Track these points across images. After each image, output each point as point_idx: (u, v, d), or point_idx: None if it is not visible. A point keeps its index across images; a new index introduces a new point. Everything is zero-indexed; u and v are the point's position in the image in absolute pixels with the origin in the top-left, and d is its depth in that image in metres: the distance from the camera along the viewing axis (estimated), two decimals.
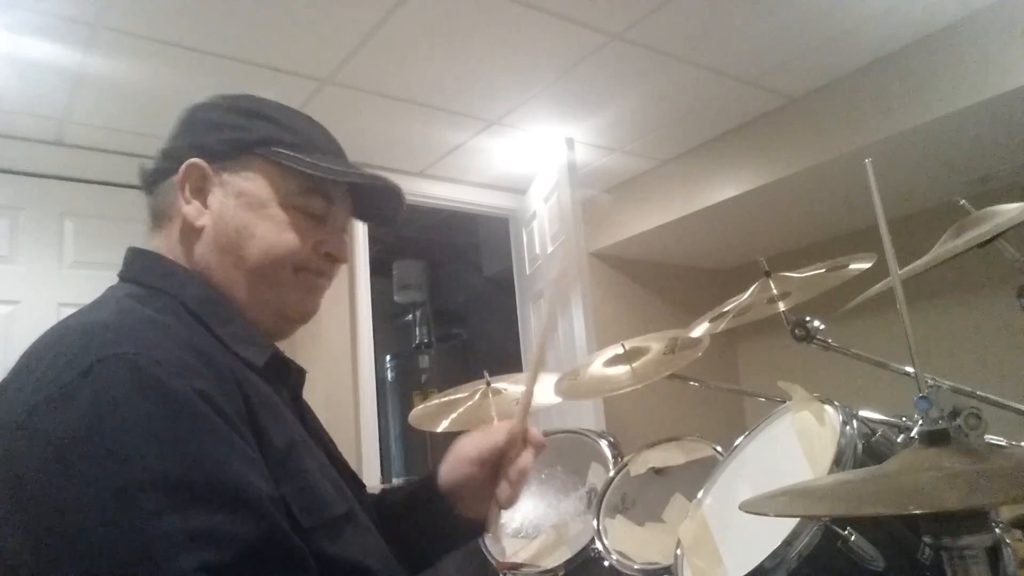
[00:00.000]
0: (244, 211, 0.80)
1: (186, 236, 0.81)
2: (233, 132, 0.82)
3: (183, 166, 0.81)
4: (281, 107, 0.87)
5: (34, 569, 0.56)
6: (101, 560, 0.55)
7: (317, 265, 0.84)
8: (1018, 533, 1.01)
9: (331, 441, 0.91)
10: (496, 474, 0.91)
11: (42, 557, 0.56)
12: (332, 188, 0.85)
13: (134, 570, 0.54)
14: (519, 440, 0.91)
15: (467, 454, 0.92)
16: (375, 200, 0.91)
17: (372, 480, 2.95)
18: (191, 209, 0.80)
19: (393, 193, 0.90)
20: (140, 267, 0.81)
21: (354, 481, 0.88)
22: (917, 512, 0.59)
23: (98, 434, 0.58)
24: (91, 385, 0.59)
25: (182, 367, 0.64)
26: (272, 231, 0.80)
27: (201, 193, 0.81)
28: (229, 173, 0.81)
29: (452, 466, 0.93)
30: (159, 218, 0.84)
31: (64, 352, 0.63)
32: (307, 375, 0.89)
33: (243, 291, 0.81)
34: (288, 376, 0.84)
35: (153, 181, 0.84)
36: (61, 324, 0.69)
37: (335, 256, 0.86)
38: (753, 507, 0.69)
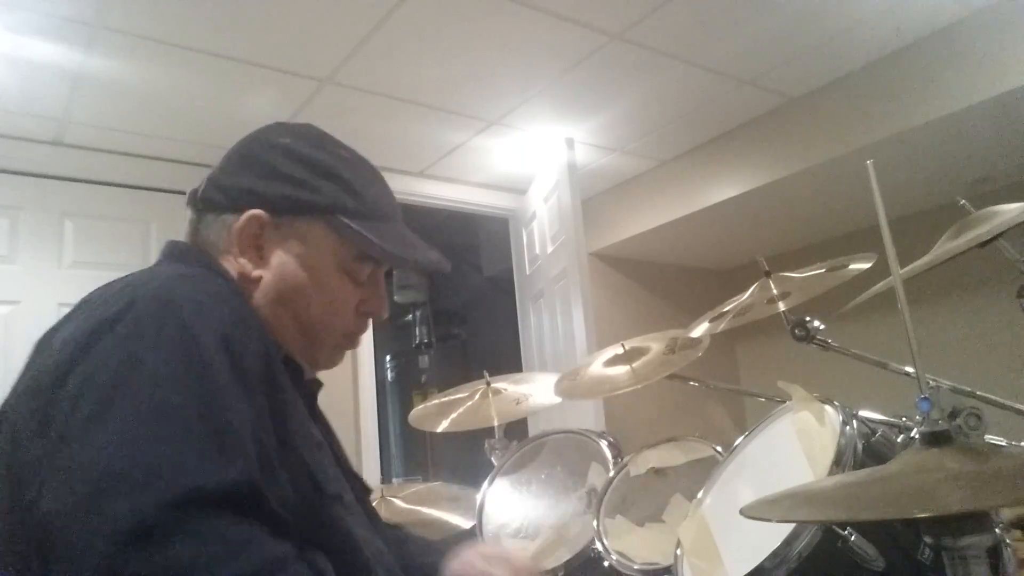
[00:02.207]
0: (302, 271, 0.82)
1: (243, 281, 0.81)
2: (299, 190, 0.81)
3: (244, 216, 0.80)
4: (349, 159, 0.87)
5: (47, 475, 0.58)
6: (105, 467, 0.56)
7: (359, 327, 0.88)
8: (1018, 533, 1.01)
9: (340, 447, 0.92)
10: None
11: (56, 459, 0.58)
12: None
13: (132, 482, 0.56)
14: None
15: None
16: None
17: (372, 480, 2.95)
18: (247, 262, 0.81)
19: (439, 264, 0.91)
20: (180, 254, 0.83)
21: (359, 485, 0.88)
22: (920, 515, 0.59)
23: (128, 364, 0.61)
24: (130, 315, 0.64)
25: (220, 319, 0.67)
26: (325, 297, 0.83)
27: (257, 241, 0.81)
28: (289, 231, 0.82)
29: (456, 573, 0.91)
30: (207, 244, 0.83)
31: (114, 298, 0.67)
32: (320, 386, 0.91)
33: (289, 338, 0.83)
34: (300, 381, 0.85)
35: (203, 208, 0.84)
36: (108, 285, 0.72)
37: (375, 315, 0.88)
38: (754, 512, 0.69)
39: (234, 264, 0.81)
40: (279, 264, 0.81)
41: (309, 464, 0.70)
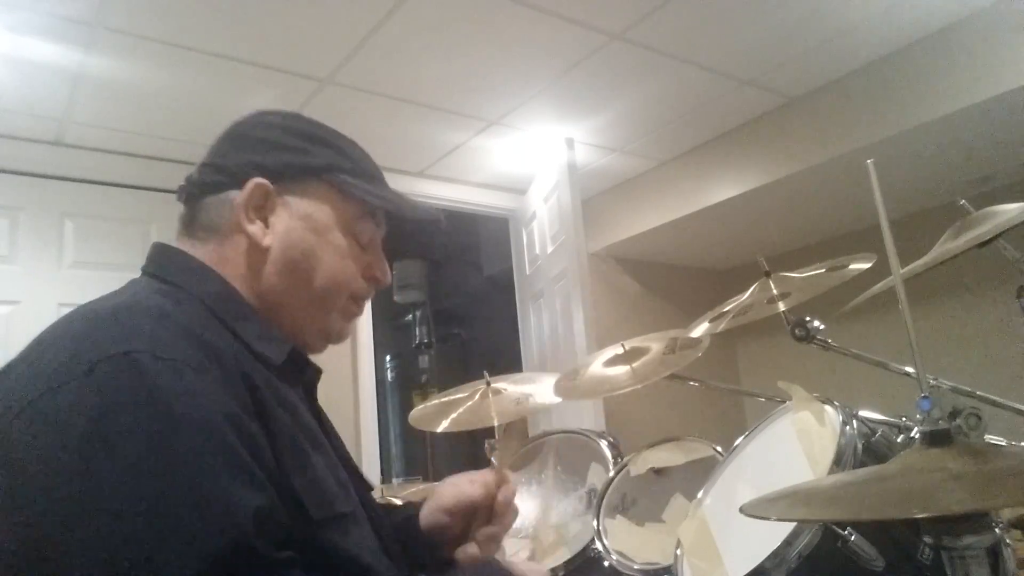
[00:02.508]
0: (310, 234, 0.82)
1: (252, 255, 0.81)
2: (298, 156, 0.84)
3: (249, 185, 0.80)
4: (334, 132, 0.89)
5: (15, 560, 0.56)
6: (77, 560, 0.55)
7: (366, 291, 0.88)
8: (1018, 533, 1.01)
9: (341, 443, 0.92)
10: (471, 526, 0.92)
11: (25, 546, 0.56)
12: (379, 214, 0.89)
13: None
14: (495, 497, 0.92)
15: (443, 503, 0.94)
16: (408, 225, 0.93)
17: (372, 480, 2.95)
18: (255, 229, 0.80)
19: (433, 213, 0.93)
20: (161, 262, 0.82)
21: (361, 481, 0.88)
22: (919, 516, 0.59)
23: (94, 439, 0.57)
24: (92, 385, 0.59)
25: (184, 363, 0.63)
26: (336, 257, 0.84)
27: (262, 212, 0.82)
28: (292, 195, 0.83)
29: (430, 510, 0.95)
30: (206, 230, 0.83)
31: (70, 344, 0.64)
32: (320, 373, 0.90)
33: (299, 311, 0.83)
34: (305, 373, 0.85)
35: (200, 193, 0.84)
36: (72, 313, 0.69)
37: (380, 279, 0.89)
38: (754, 511, 0.69)
39: (239, 241, 0.81)
40: (285, 230, 0.81)
41: (299, 493, 0.68)
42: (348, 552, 0.71)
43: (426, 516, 0.95)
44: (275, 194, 0.82)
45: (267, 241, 0.81)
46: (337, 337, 0.88)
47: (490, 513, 0.93)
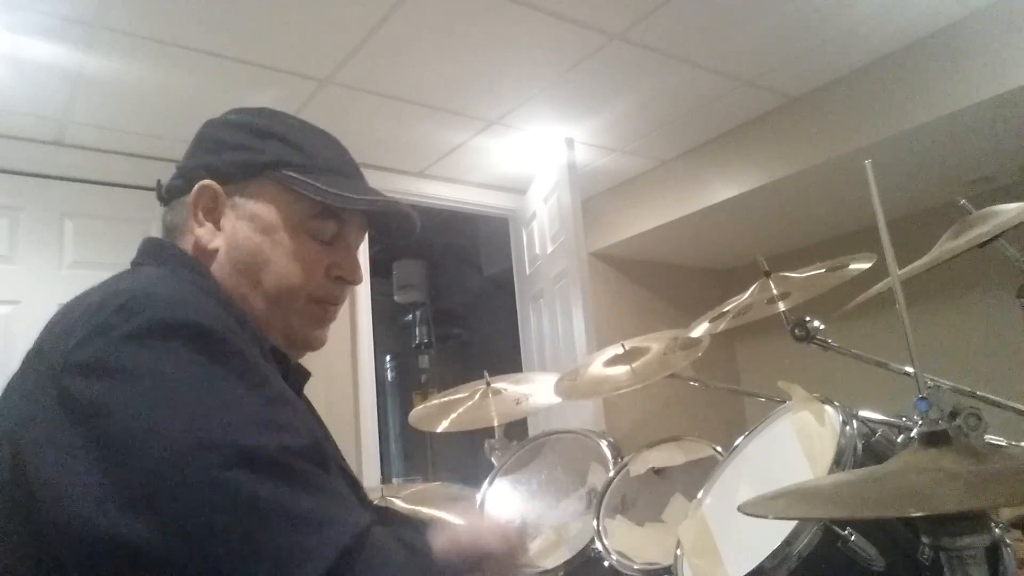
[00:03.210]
0: (257, 235, 0.81)
1: (202, 256, 0.81)
2: (244, 153, 0.82)
3: (195, 187, 0.81)
4: (297, 125, 0.86)
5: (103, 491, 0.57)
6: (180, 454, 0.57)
7: (329, 292, 0.84)
8: (1017, 533, 1.01)
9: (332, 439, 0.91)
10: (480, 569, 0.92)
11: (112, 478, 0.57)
12: (343, 210, 0.84)
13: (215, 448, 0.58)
14: (512, 552, 0.90)
15: (459, 548, 0.91)
16: (388, 219, 0.90)
17: (372, 480, 2.95)
18: (203, 232, 0.81)
19: (405, 215, 0.89)
20: (153, 252, 0.83)
21: (352, 478, 0.88)
22: (917, 515, 0.59)
23: (157, 364, 0.61)
24: (157, 347, 0.62)
25: (228, 328, 0.67)
26: (284, 258, 0.81)
27: (213, 214, 0.81)
28: (241, 196, 0.81)
29: (443, 547, 0.92)
30: (172, 233, 0.84)
31: (120, 307, 0.65)
32: (315, 350, 0.90)
33: (259, 311, 0.81)
34: (287, 372, 0.84)
35: (169, 197, 0.85)
36: (92, 291, 0.71)
37: (347, 279, 0.85)
38: (753, 509, 0.69)
39: (190, 241, 0.81)
40: (231, 230, 0.81)
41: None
42: None
43: (439, 551, 0.94)
44: (224, 195, 0.81)
45: (215, 243, 0.81)
46: (305, 343, 0.85)
47: (498, 565, 0.92)
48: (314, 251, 0.83)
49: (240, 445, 0.58)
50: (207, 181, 0.81)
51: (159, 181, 0.87)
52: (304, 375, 0.89)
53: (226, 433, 0.58)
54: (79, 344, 0.62)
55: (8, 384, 0.67)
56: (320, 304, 0.84)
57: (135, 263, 0.83)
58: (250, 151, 0.82)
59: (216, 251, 0.81)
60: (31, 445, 0.60)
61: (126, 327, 0.62)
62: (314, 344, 0.86)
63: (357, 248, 0.89)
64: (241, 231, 0.81)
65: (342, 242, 0.86)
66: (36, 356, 0.66)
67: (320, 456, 0.64)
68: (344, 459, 0.89)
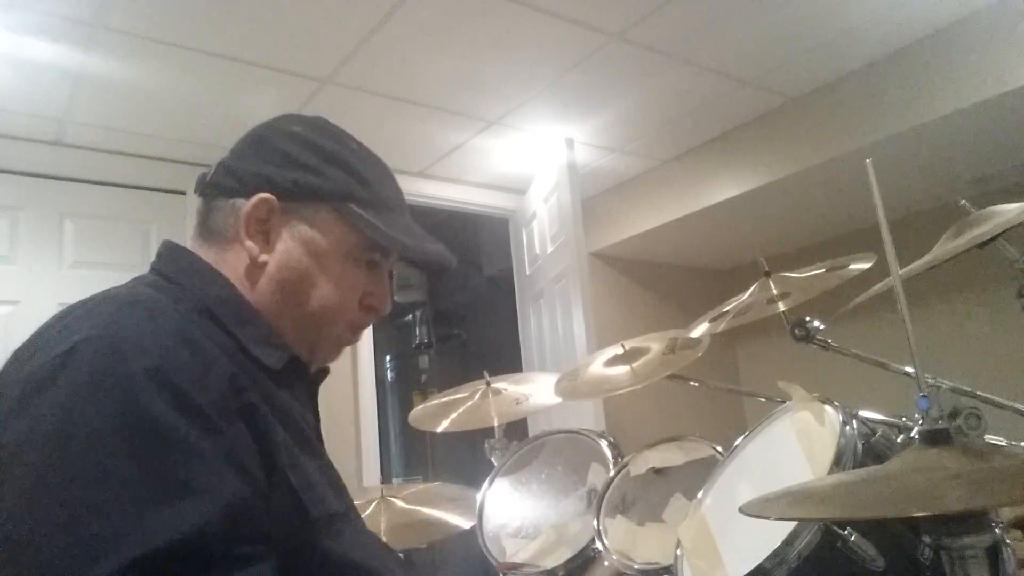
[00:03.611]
0: (307, 258, 0.81)
1: (249, 266, 0.81)
2: (310, 176, 0.81)
3: (254, 199, 0.79)
4: (359, 152, 0.86)
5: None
6: (45, 550, 0.54)
7: (361, 320, 0.86)
8: (1018, 533, 1.01)
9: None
10: None
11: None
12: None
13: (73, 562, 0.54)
14: None
15: None
16: (428, 258, 0.91)
17: (372, 480, 2.95)
18: (253, 245, 0.80)
19: (445, 257, 0.90)
20: (168, 260, 0.81)
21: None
22: (920, 514, 0.59)
23: (65, 427, 0.58)
24: (69, 366, 0.61)
25: (165, 358, 0.63)
26: (331, 285, 0.82)
27: (264, 226, 0.81)
28: (298, 217, 0.81)
29: None
30: (213, 233, 0.82)
31: (63, 326, 0.66)
32: (327, 373, 0.91)
33: (291, 328, 0.82)
34: (306, 376, 0.85)
35: (212, 193, 0.83)
36: (73, 304, 0.71)
37: (377, 309, 0.87)
38: (754, 510, 0.69)
39: (238, 251, 0.80)
40: (284, 250, 0.80)
41: (296, 487, 0.68)
42: (346, 554, 0.71)
43: None
44: (280, 212, 0.80)
45: (263, 258, 0.80)
46: (323, 361, 0.87)
47: None
48: (355, 279, 0.84)
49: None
50: (268, 195, 0.79)
51: (203, 175, 0.85)
52: (323, 373, 0.89)
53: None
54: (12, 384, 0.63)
55: None
56: (353, 331, 0.86)
57: (152, 268, 0.82)
58: (317, 175, 0.81)
59: (264, 265, 0.80)
60: None
61: (57, 380, 0.61)
62: (329, 362, 0.88)
63: (390, 277, 0.90)
64: (294, 252, 0.81)
65: (378, 272, 0.87)
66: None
67: (205, 542, 0.58)
68: (324, 456, 0.86)
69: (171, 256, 0.82)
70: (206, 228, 0.83)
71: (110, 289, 0.73)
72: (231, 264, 0.81)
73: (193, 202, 2.72)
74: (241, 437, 0.65)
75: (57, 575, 0.53)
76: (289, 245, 0.81)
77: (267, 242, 0.80)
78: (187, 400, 0.62)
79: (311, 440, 0.78)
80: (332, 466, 0.80)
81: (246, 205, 0.80)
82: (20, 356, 0.66)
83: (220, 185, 0.82)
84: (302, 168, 0.81)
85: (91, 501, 0.56)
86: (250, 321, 0.78)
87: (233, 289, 0.79)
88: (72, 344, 0.62)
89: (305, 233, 0.81)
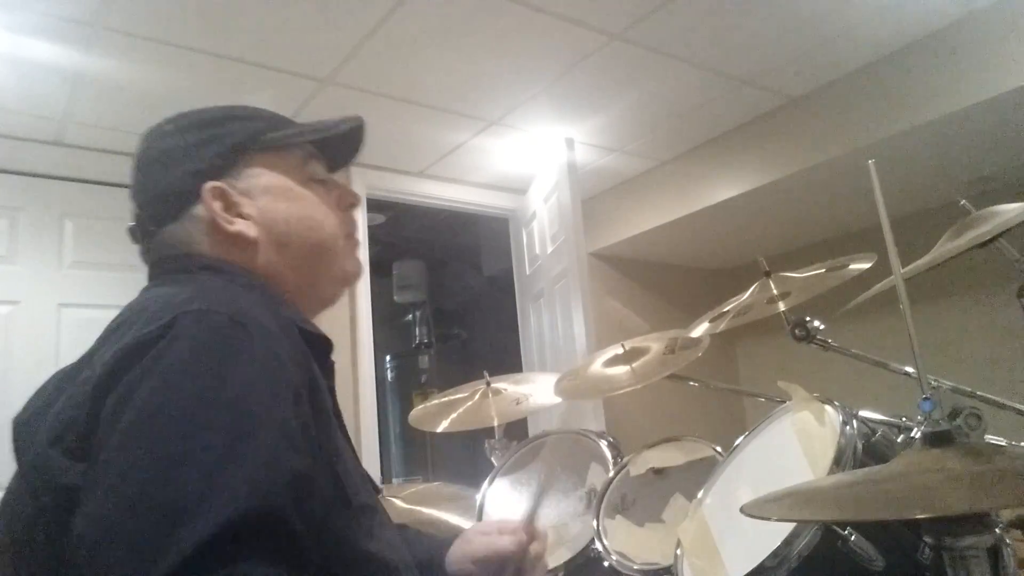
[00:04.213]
0: (280, 203, 0.83)
1: (245, 251, 0.80)
2: (220, 143, 0.82)
3: (205, 193, 0.79)
4: (226, 106, 0.88)
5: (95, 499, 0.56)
6: (160, 492, 0.55)
7: (350, 222, 0.89)
8: (1018, 533, 1.01)
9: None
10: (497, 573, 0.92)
11: (104, 489, 0.56)
12: (321, 148, 0.89)
13: (188, 505, 0.55)
14: (526, 552, 0.92)
15: (473, 553, 0.93)
16: (341, 146, 0.94)
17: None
18: (241, 226, 0.80)
19: (358, 129, 0.94)
20: (182, 266, 0.80)
21: (371, 481, 0.89)
22: (923, 516, 0.59)
23: (178, 386, 0.59)
24: (171, 335, 0.61)
25: (261, 328, 0.65)
26: (311, 210, 0.84)
27: (233, 210, 0.81)
28: (243, 180, 0.82)
29: (458, 558, 0.94)
30: (188, 247, 0.81)
31: (156, 305, 0.66)
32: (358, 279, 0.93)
33: (310, 275, 0.83)
34: (328, 357, 0.84)
35: (154, 230, 0.83)
36: (137, 301, 0.72)
37: (353, 202, 0.90)
38: (755, 511, 0.69)
39: (226, 244, 0.80)
40: (259, 212, 0.81)
41: (340, 475, 0.68)
42: (372, 548, 0.71)
43: (453, 563, 0.94)
44: (228, 188, 0.81)
45: (252, 232, 0.80)
46: (354, 275, 0.89)
47: (518, 566, 0.92)
48: (323, 193, 0.87)
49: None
50: (209, 183, 0.79)
51: (131, 226, 0.86)
52: (328, 344, 0.88)
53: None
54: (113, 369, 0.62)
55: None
56: (349, 236, 0.89)
57: (157, 281, 0.81)
58: (223, 138, 0.82)
59: (257, 239, 0.81)
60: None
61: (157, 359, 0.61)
62: (360, 272, 0.90)
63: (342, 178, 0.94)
64: (267, 208, 0.82)
65: (332, 180, 0.90)
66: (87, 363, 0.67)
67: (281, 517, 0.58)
68: (351, 446, 0.89)
69: (181, 262, 0.81)
70: (171, 259, 0.81)
71: (167, 289, 0.73)
72: (228, 261, 0.80)
73: None
74: (309, 421, 0.66)
75: (151, 534, 0.54)
76: (259, 205, 0.82)
77: (244, 218, 0.81)
78: (286, 376, 0.64)
79: (345, 427, 0.78)
80: (355, 456, 0.80)
81: (204, 204, 0.79)
82: (106, 337, 0.67)
83: (157, 216, 0.83)
84: (206, 143, 0.82)
85: (180, 462, 0.56)
86: (285, 302, 0.79)
87: (255, 276, 0.80)
88: (172, 318, 0.62)
89: (259, 185, 0.82)
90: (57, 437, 0.62)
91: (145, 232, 0.84)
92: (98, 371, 0.62)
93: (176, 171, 0.81)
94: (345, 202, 0.89)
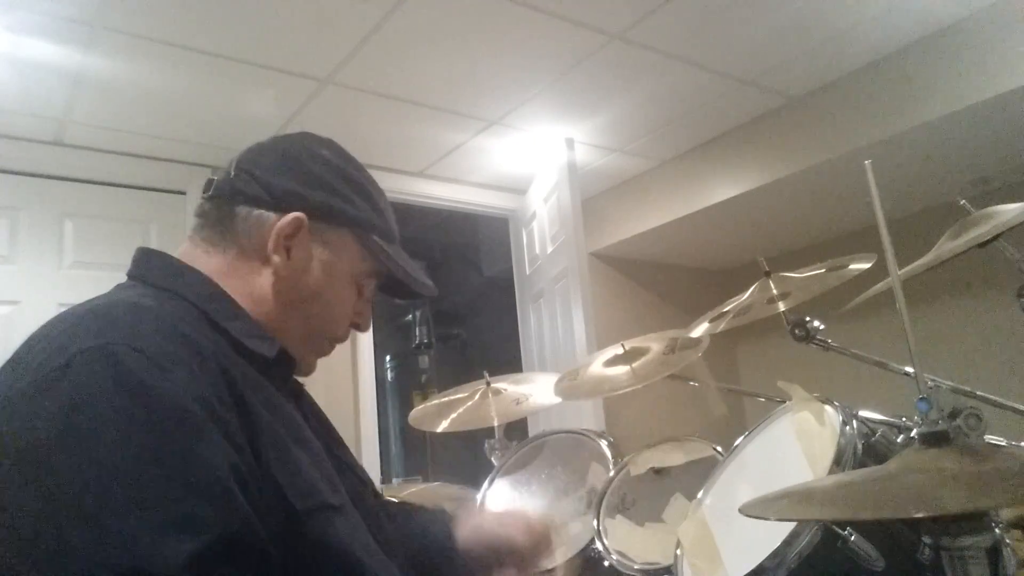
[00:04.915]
0: (323, 277, 0.85)
1: (263, 278, 0.82)
2: (341, 202, 0.85)
3: (288, 216, 0.81)
4: (374, 182, 0.92)
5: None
6: (82, 564, 0.54)
7: (344, 336, 0.91)
8: (1018, 533, 1.01)
9: (337, 439, 0.93)
10: (505, 563, 0.94)
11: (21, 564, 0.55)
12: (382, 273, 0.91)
13: (119, 569, 0.54)
14: (538, 547, 0.95)
15: (490, 541, 0.95)
16: (399, 288, 0.96)
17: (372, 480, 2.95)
18: (280, 260, 0.82)
19: (432, 290, 0.96)
20: (147, 267, 0.83)
21: (358, 477, 0.89)
22: (920, 515, 0.59)
23: (70, 432, 0.58)
24: (68, 378, 0.60)
25: (160, 355, 0.64)
26: (337, 304, 0.87)
27: (289, 241, 0.82)
28: (322, 238, 0.84)
29: (472, 540, 0.96)
30: (226, 238, 0.83)
31: (50, 342, 0.65)
32: (305, 377, 0.92)
33: (285, 334, 0.84)
34: (291, 373, 0.86)
35: (231, 198, 0.83)
36: (58, 315, 0.71)
37: (361, 327, 0.92)
38: (754, 511, 0.69)
39: (253, 259, 0.82)
40: (303, 268, 0.83)
41: (281, 484, 0.68)
42: (336, 544, 0.71)
43: (465, 541, 0.96)
44: (306, 231, 0.83)
45: (281, 272, 0.82)
46: (306, 369, 0.90)
47: (523, 558, 0.95)
48: (351, 300, 0.89)
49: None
50: (301, 215, 0.82)
51: (221, 179, 0.85)
52: (280, 360, 0.88)
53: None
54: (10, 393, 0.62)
55: None
56: (333, 344, 0.91)
57: (128, 275, 0.83)
58: (347, 202, 0.86)
59: (275, 278, 0.82)
60: None
61: (60, 387, 0.60)
62: (305, 371, 0.91)
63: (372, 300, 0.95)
64: (313, 271, 0.84)
65: (369, 296, 0.92)
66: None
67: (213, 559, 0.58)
68: (348, 456, 0.91)
69: (147, 261, 0.83)
70: (218, 232, 0.83)
71: (91, 300, 0.74)
72: (241, 272, 0.82)
73: (193, 202, 2.73)
74: (233, 428, 0.66)
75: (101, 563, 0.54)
76: (310, 264, 0.84)
77: (288, 257, 0.82)
78: (190, 390, 0.63)
79: (302, 432, 0.77)
80: (327, 459, 0.80)
81: (279, 221, 0.81)
82: (3, 375, 0.66)
83: (245, 193, 0.83)
84: (334, 193, 0.85)
85: (105, 492, 0.56)
86: (237, 315, 0.79)
87: (212, 284, 0.80)
88: (68, 357, 0.62)
89: (325, 254, 0.85)
90: None
91: (221, 194, 0.84)
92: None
93: (292, 184, 0.84)
94: (355, 320, 0.91)
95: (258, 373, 0.75)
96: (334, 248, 0.85)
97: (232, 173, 0.84)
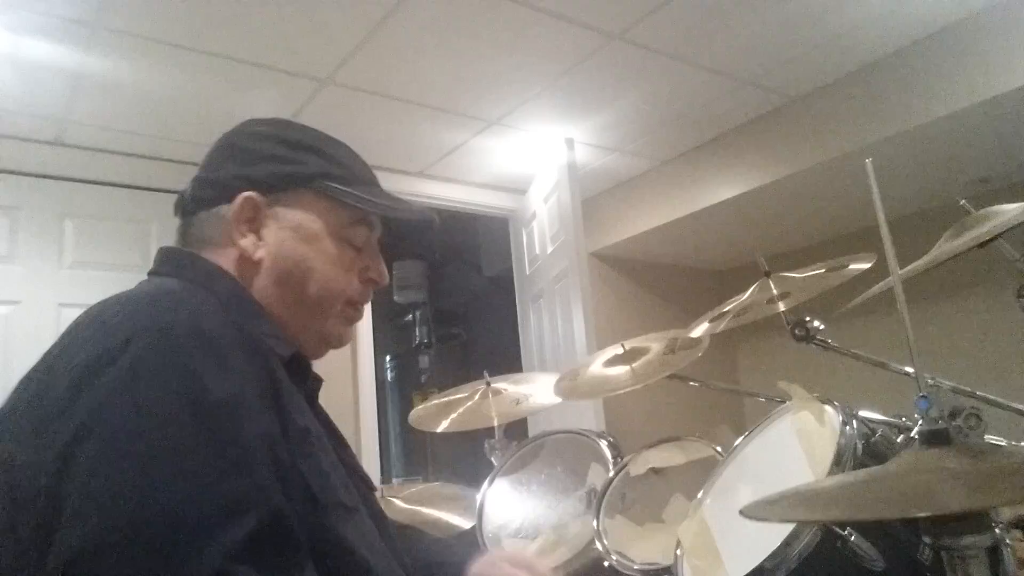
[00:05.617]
0: (301, 244, 0.83)
1: (245, 267, 0.82)
2: (285, 165, 0.84)
3: (238, 199, 0.81)
4: (324, 137, 0.89)
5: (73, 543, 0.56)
6: (139, 537, 0.55)
7: (362, 294, 0.89)
8: (1018, 533, 1.01)
9: (343, 442, 0.93)
10: None
11: (76, 531, 0.56)
12: (372, 217, 0.89)
13: (174, 546, 0.56)
14: None
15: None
16: (409, 222, 0.94)
17: (372, 480, 2.95)
18: (248, 243, 0.81)
19: (428, 218, 0.94)
20: (174, 263, 0.83)
21: (363, 480, 0.89)
22: (921, 515, 0.59)
23: (130, 411, 0.60)
24: (129, 353, 0.62)
25: (217, 341, 0.66)
26: (328, 265, 0.84)
27: (253, 224, 0.82)
28: (282, 206, 0.83)
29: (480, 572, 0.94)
30: (201, 244, 0.84)
31: (108, 321, 0.66)
32: (339, 348, 0.92)
33: (295, 318, 0.83)
34: (307, 378, 0.86)
35: (194, 208, 0.84)
36: (97, 306, 0.72)
37: (377, 281, 0.90)
38: (754, 512, 0.69)
39: (232, 254, 0.82)
40: (277, 241, 0.82)
41: (306, 475, 0.70)
42: (348, 543, 0.72)
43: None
44: (265, 206, 0.82)
45: (259, 254, 0.82)
46: (338, 341, 0.89)
47: None
48: (350, 257, 0.87)
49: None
50: (250, 193, 0.81)
51: (182, 193, 0.86)
52: (318, 381, 0.90)
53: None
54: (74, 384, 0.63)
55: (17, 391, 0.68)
56: (354, 306, 0.89)
57: (157, 273, 0.83)
58: (291, 163, 0.84)
59: (260, 261, 0.82)
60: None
61: (115, 371, 0.61)
62: (344, 341, 0.90)
63: (380, 252, 0.93)
64: (286, 241, 0.83)
65: (370, 246, 0.90)
66: (46, 371, 0.67)
67: (268, 536, 0.60)
68: (355, 462, 0.91)
69: (175, 259, 0.83)
70: (191, 239, 0.84)
71: (131, 290, 0.74)
72: (225, 268, 0.82)
73: None
74: (274, 427, 0.68)
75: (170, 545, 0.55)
76: (280, 236, 0.83)
77: (259, 239, 0.82)
78: (242, 376, 0.65)
79: (321, 435, 0.79)
80: (340, 464, 0.81)
81: (232, 208, 0.81)
82: (51, 358, 0.67)
83: (199, 198, 0.84)
84: (275, 159, 0.84)
85: (167, 480, 0.57)
86: (259, 315, 0.80)
87: (238, 285, 0.81)
88: (126, 338, 0.63)
89: (292, 219, 0.83)
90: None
91: (185, 209, 0.86)
92: (61, 383, 0.63)
93: (233, 167, 0.84)
94: (366, 275, 0.89)
95: (282, 368, 0.76)
96: (299, 211, 0.83)
97: (188, 187, 0.86)
